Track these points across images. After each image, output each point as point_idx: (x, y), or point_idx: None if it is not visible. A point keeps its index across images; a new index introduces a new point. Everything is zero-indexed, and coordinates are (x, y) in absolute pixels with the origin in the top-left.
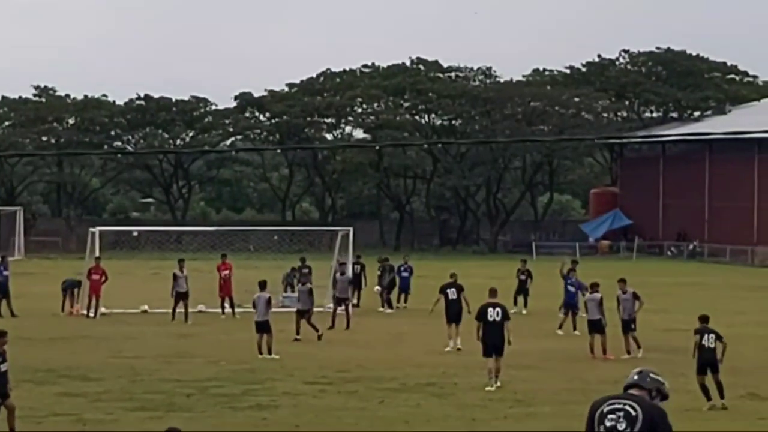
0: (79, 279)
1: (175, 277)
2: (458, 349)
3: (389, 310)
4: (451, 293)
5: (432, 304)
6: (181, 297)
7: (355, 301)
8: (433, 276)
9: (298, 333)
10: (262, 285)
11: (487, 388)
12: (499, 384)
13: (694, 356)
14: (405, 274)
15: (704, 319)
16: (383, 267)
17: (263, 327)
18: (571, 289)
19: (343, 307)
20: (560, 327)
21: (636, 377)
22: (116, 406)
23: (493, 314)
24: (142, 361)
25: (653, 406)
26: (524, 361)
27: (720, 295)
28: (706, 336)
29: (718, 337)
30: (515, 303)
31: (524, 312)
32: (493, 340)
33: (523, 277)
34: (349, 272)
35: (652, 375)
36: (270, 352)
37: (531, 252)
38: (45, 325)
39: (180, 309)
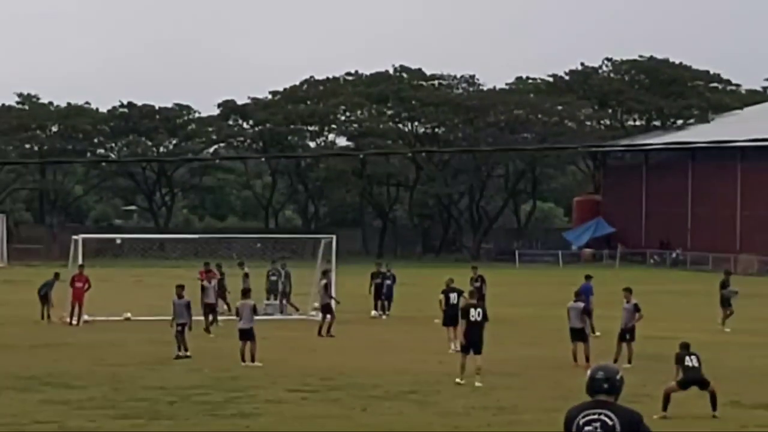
0: (53, 279)
1: (203, 288)
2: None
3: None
4: (453, 297)
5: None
6: (209, 309)
7: (388, 313)
8: (416, 284)
9: (179, 349)
10: (246, 293)
11: (457, 381)
12: (480, 384)
13: (676, 377)
14: (388, 282)
15: (685, 345)
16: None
17: (247, 335)
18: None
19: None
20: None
21: (606, 385)
22: (99, 413)
23: (474, 314)
24: (125, 369)
25: (629, 412)
26: (507, 368)
27: (702, 302)
28: (687, 358)
29: (699, 360)
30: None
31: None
32: (473, 338)
33: (477, 284)
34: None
35: (617, 377)
36: (253, 360)
37: (514, 260)
38: (27, 332)
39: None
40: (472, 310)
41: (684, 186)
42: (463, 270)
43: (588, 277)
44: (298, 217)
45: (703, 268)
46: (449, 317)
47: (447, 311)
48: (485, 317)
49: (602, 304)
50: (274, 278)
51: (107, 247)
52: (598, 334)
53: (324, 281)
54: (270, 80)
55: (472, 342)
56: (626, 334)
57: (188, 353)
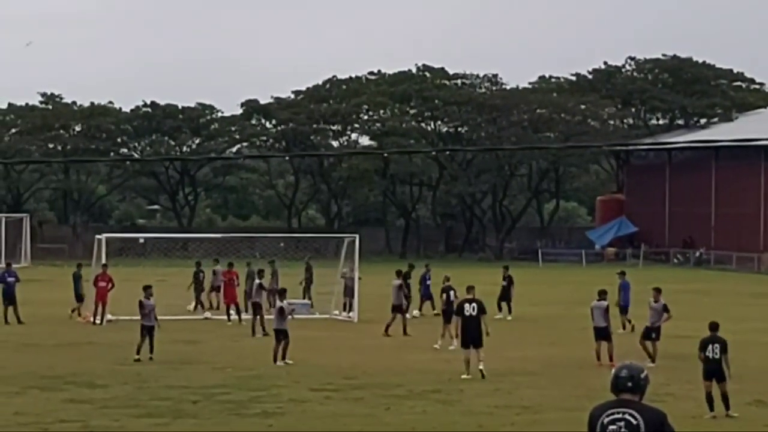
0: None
1: (261, 286)
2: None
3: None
4: (451, 295)
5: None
6: (256, 308)
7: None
8: (438, 283)
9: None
10: (281, 293)
11: (463, 376)
12: (482, 367)
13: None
14: (429, 282)
15: (714, 326)
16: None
17: (281, 334)
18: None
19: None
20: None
21: (630, 384)
22: (123, 412)
23: (469, 309)
24: (149, 368)
25: (654, 411)
26: (531, 367)
27: (726, 302)
28: (710, 347)
29: (723, 350)
30: (499, 309)
31: (509, 318)
32: (470, 333)
33: (504, 284)
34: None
35: (641, 376)
36: (284, 357)
37: (537, 259)
38: (51, 331)
39: (235, 316)
40: (466, 305)
41: (707, 185)
42: (486, 269)
43: (622, 274)
44: (320, 216)
45: (727, 267)
46: (447, 314)
47: (446, 309)
48: (482, 311)
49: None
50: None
51: (130, 246)
52: (621, 331)
53: (398, 282)
54: (293, 80)
55: (471, 337)
56: (652, 333)
57: (151, 355)
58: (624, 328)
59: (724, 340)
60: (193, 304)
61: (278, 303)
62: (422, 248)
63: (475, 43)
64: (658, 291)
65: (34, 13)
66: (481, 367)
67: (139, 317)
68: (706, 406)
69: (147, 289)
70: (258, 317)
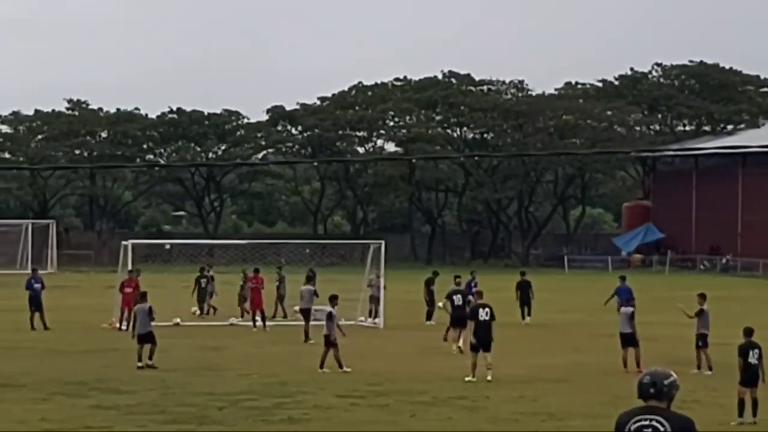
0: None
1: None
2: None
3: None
4: (457, 299)
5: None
6: (305, 314)
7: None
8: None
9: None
10: (333, 299)
11: (467, 379)
12: (489, 378)
13: (741, 369)
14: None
15: (749, 332)
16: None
17: (327, 341)
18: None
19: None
20: None
21: (652, 390)
22: (148, 418)
23: (482, 314)
24: (174, 374)
25: (680, 419)
26: (556, 374)
27: (753, 309)
28: (750, 353)
29: (761, 355)
30: (523, 315)
31: (527, 321)
32: (483, 337)
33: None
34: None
35: (665, 382)
36: (341, 366)
37: (563, 265)
38: (77, 337)
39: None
40: (480, 310)
41: (734, 191)
42: (512, 276)
43: (623, 278)
44: (346, 222)
45: (754, 273)
46: (454, 319)
47: (452, 313)
48: (493, 316)
49: (652, 310)
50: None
51: (156, 252)
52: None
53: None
54: (319, 86)
55: (482, 341)
56: (699, 341)
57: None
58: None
59: (760, 345)
60: (197, 308)
61: (329, 309)
62: (448, 255)
63: (500, 49)
64: (702, 297)
65: (61, 19)
66: (489, 378)
67: (163, 323)
68: (737, 412)
69: (331, 298)
70: (308, 323)
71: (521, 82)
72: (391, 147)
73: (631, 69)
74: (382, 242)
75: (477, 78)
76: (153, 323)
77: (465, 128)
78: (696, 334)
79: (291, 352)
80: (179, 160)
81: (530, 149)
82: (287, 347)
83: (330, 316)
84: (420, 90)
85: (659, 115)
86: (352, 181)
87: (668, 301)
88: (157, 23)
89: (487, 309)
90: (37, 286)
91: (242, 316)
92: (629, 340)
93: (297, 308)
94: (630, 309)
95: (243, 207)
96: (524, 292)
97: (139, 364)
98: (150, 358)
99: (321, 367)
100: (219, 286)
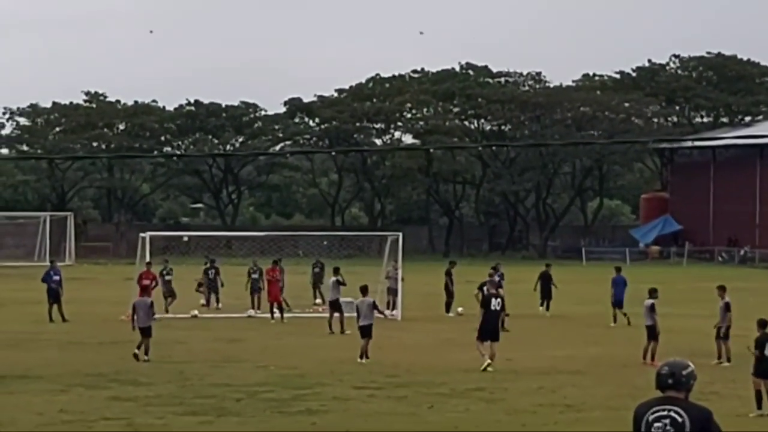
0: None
1: (338, 282)
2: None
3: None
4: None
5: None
6: (333, 306)
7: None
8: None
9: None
10: (364, 290)
11: (484, 366)
12: (492, 369)
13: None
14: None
15: (763, 324)
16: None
17: (366, 331)
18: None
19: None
20: None
21: (670, 380)
22: (166, 410)
23: (494, 304)
24: (192, 366)
25: (699, 409)
26: (574, 366)
27: None
28: (767, 345)
29: None
30: (545, 307)
31: (548, 314)
32: (492, 326)
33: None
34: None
35: (683, 373)
36: (366, 356)
37: (581, 257)
38: (95, 329)
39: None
40: (492, 300)
41: (752, 183)
42: (530, 268)
43: (618, 269)
44: (364, 215)
45: None
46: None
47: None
48: (503, 307)
49: (670, 302)
50: (317, 270)
51: (174, 244)
52: (612, 325)
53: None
54: (336, 78)
55: (491, 330)
56: (723, 333)
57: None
58: (615, 321)
59: None
60: (205, 300)
61: (367, 299)
62: (465, 247)
63: (518, 41)
64: (722, 289)
65: (78, 13)
66: (490, 369)
67: (181, 315)
68: (754, 404)
69: (363, 288)
70: (338, 315)
71: (539, 73)
72: (408, 139)
73: (649, 61)
74: (400, 234)
75: (494, 70)
76: (157, 317)
77: (482, 120)
78: (726, 327)
79: (309, 344)
80: (197, 152)
81: (548, 141)
82: (306, 339)
83: (375, 306)
84: (437, 82)
85: (677, 107)
86: (369, 173)
87: (684, 294)
88: (175, 16)
89: (498, 299)
90: (56, 278)
91: (253, 308)
92: (648, 331)
93: (318, 301)
94: (650, 301)
95: (261, 199)
96: (545, 284)
97: (136, 352)
98: (146, 353)
99: (362, 357)
100: (237, 278)
